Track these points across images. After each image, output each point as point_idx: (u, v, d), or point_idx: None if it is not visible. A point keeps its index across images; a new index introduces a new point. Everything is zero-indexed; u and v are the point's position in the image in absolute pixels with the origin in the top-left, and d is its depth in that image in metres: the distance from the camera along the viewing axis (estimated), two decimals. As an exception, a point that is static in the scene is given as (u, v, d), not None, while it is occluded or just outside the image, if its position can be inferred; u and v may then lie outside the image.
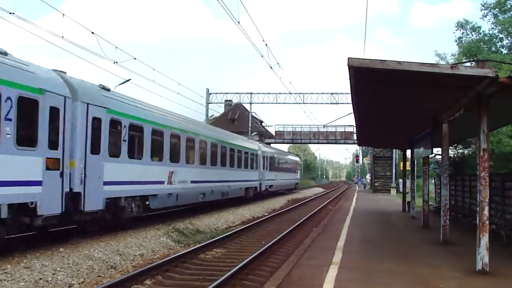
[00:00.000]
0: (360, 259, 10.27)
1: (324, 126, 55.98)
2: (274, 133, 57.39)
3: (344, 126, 55.94)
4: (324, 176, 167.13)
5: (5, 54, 9.62)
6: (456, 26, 31.76)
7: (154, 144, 15.48)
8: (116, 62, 20.82)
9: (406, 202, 24.47)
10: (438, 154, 18.29)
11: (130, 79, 22.95)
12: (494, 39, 31.20)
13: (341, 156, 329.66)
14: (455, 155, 34.04)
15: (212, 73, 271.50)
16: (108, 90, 13.39)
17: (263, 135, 55.36)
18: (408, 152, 25.09)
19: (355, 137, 41.11)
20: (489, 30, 31.29)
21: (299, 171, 55.27)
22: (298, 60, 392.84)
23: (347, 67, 8.12)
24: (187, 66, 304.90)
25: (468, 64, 22.60)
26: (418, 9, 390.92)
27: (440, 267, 9.42)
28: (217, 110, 54.43)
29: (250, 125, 51.88)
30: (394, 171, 53.24)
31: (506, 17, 29.90)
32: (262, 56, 23.61)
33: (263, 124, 61.30)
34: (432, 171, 27.22)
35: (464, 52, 29.87)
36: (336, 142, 58.63)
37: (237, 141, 27.30)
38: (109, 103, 12.85)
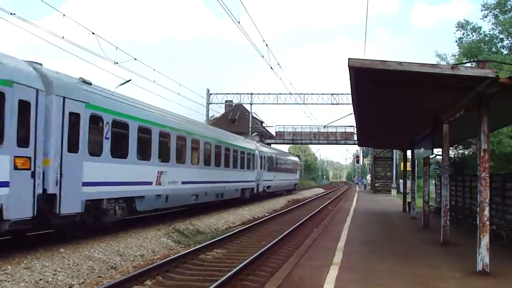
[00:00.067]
0: (361, 259, 10.28)
1: (324, 126, 56.03)
2: (274, 134, 57.41)
3: (345, 126, 56.02)
4: (325, 177, 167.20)
5: None
6: (456, 27, 31.88)
7: (141, 143, 14.44)
8: (117, 63, 20.83)
9: (407, 203, 24.43)
10: (439, 155, 18.24)
11: (130, 80, 22.97)
12: (495, 40, 31.26)
13: (341, 156, 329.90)
14: (456, 156, 34.08)
15: (212, 73, 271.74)
16: (90, 84, 12.36)
17: (264, 136, 55.30)
18: (409, 152, 25.03)
19: (355, 138, 41.16)
20: (490, 31, 31.41)
21: (298, 172, 55.16)
22: (298, 61, 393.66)
23: (348, 67, 8.12)
24: (187, 66, 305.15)
25: (468, 64, 22.62)
26: (418, 10, 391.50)
27: (441, 267, 9.42)
28: (218, 110, 54.55)
29: (250, 126, 51.87)
30: (394, 171, 53.27)
31: (507, 17, 29.94)
32: (263, 56, 23.68)
33: (263, 124, 61.36)
34: (432, 172, 27.26)
35: (464, 52, 29.90)
36: (336, 142, 58.60)
37: (233, 140, 26.18)
38: (89, 98, 11.85)
